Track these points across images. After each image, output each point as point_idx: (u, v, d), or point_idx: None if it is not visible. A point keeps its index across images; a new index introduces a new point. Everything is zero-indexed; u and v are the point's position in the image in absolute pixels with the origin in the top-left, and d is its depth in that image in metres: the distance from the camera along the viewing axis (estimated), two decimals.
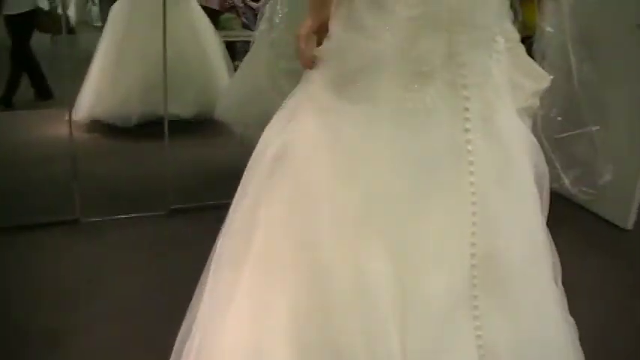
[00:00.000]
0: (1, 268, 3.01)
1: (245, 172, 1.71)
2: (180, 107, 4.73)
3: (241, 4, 6.23)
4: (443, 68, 1.51)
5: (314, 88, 1.62)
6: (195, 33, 5.11)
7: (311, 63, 1.63)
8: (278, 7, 3.79)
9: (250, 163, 1.71)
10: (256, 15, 5.32)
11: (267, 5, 3.97)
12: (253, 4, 6.12)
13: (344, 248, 1.48)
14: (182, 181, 3.74)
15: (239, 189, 1.68)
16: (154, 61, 4.67)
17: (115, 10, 5.11)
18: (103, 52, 4.95)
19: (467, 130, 1.53)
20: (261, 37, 3.95)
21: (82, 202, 3.45)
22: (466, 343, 1.53)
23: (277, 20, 3.79)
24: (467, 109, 1.53)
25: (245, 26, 6.05)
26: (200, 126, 4.77)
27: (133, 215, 3.56)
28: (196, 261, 3.00)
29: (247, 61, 4.05)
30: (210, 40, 5.25)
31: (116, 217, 3.53)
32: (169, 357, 2.23)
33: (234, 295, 1.60)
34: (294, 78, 3.71)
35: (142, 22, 4.81)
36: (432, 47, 1.50)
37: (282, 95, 3.72)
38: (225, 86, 5.02)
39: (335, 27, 1.58)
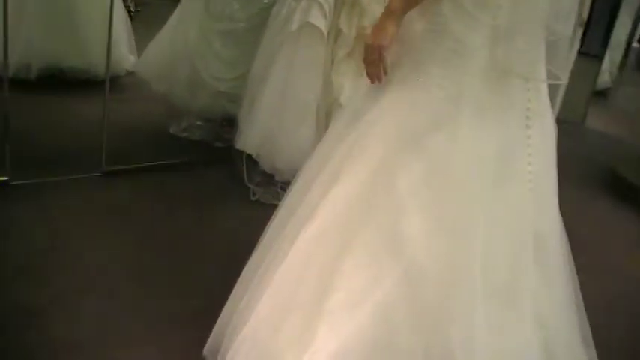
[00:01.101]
0: None
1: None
2: (87, 62, 4.50)
3: None
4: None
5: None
6: None
7: (382, 76, 1.69)
8: None
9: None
10: None
11: None
12: None
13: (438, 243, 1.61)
14: (115, 141, 3.55)
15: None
16: (57, 10, 4.44)
17: None
18: None
19: (528, 127, 1.72)
20: None
21: (14, 162, 3.19)
22: (527, 316, 1.73)
23: None
24: (529, 109, 1.72)
25: None
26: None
27: (65, 178, 3.35)
28: (138, 226, 2.93)
29: (176, 20, 3.90)
30: None
31: (48, 179, 3.30)
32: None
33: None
34: (230, 40, 3.71)
35: None
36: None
37: (217, 57, 3.72)
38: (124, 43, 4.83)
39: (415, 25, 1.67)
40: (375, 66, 1.68)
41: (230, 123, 3.91)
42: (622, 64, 7.28)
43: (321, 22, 3.17)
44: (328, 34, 3.22)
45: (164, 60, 3.87)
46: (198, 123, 4.12)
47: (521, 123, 1.71)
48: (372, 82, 1.71)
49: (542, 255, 1.78)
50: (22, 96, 3.80)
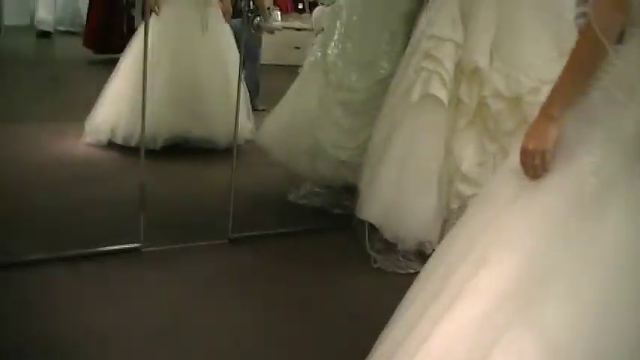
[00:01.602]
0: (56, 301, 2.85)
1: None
2: (210, 133, 4.73)
3: None
4: None
5: None
6: (224, 58, 5.04)
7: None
8: (335, 37, 3.84)
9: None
10: None
11: (320, 34, 4.01)
12: None
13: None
14: (239, 208, 3.66)
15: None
16: (182, 84, 4.68)
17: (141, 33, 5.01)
18: (126, 74, 4.83)
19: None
20: (312, 65, 3.98)
21: (146, 229, 3.35)
22: None
23: (334, 51, 3.83)
24: None
25: None
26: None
27: (193, 244, 3.50)
28: (262, 293, 3.00)
29: (297, 89, 4.05)
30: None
31: (177, 246, 3.44)
32: None
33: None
34: (350, 109, 3.80)
35: (172, 45, 4.75)
36: None
37: (337, 126, 3.80)
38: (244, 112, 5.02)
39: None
40: (537, 170, 1.68)
41: (349, 190, 3.97)
42: None
43: (442, 93, 3.20)
44: (449, 103, 3.25)
45: (285, 130, 4.00)
46: (317, 190, 4.21)
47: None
48: (531, 180, 1.70)
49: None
50: (152, 165, 3.97)
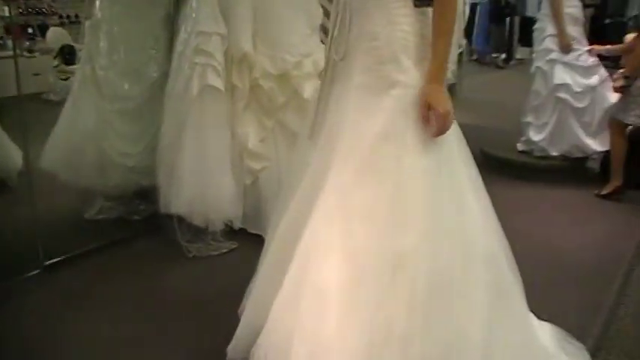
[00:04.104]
0: None
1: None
2: None
3: None
4: None
5: None
6: None
7: None
8: (101, 44, 3.94)
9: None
10: None
11: (85, 47, 4.06)
12: None
13: None
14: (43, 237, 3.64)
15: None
16: None
17: None
18: None
19: None
20: (82, 81, 4.02)
21: None
22: None
23: (102, 65, 3.93)
24: None
25: None
26: None
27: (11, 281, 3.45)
28: (95, 309, 3.16)
29: (71, 107, 4.04)
30: None
31: None
32: None
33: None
34: (127, 117, 3.91)
35: None
36: None
37: (119, 135, 3.91)
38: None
39: None
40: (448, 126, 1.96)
41: (140, 196, 4.15)
42: (459, 60, 8.02)
43: (218, 82, 3.51)
44: (226, 90, 3.56)
45: (68, 149, 3.97)
46: (109, 204, 4.26)
47: None
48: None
49: None
50: None
